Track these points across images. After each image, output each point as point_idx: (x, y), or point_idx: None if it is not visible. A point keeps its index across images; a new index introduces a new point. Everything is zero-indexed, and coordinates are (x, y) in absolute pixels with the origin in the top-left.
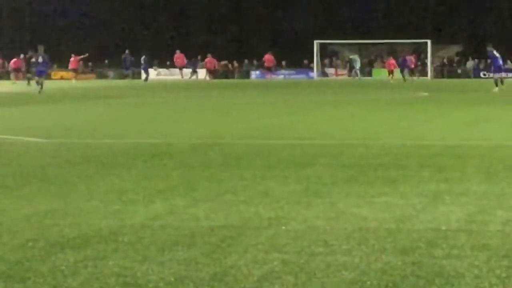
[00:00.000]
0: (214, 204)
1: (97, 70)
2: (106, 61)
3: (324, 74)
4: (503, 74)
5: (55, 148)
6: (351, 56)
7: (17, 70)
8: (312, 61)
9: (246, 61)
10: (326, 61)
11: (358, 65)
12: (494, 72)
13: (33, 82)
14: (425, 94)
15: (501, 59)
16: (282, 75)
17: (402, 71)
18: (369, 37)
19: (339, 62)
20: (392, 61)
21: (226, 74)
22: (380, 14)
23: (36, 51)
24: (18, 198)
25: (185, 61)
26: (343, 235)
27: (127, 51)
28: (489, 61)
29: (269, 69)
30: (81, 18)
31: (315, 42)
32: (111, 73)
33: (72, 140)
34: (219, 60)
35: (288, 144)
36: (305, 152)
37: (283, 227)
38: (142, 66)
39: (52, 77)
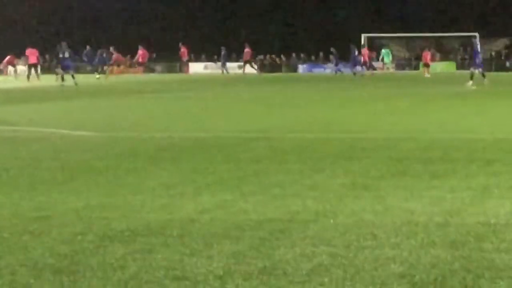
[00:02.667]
0: (262, 197)
1: (144, 64)
2: (154, 55)
3: (372, 67)
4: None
5: (103, 142)
6: (382, 50)
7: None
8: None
9: (293, 54)
10: (374, 54)
11: (387, 58)
12: (476, 66)
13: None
14: (474, 87)
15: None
16: (329, 69)
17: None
18: (416, 31)
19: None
20: (427, 54)
21: (274, 68)
22: (427, 8)
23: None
24: (67, 191)
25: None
26: (391, 229)
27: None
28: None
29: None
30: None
31: (363, 35)
32: (158, 67)
33: (120, 133)
34: (266, 54)
35: (335, 138)
36: (352, 146)
37: (331, 221)
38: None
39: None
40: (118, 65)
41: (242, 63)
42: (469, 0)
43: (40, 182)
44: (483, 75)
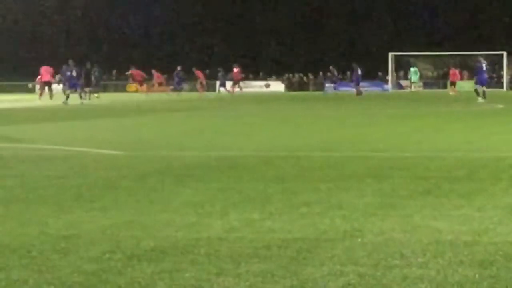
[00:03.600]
0: (290, 216)
1: (171, 83)
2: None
3: (399, 86)
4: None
5: (130, 160)
6: (411, 68)
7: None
8: (386, 74)
9: (321, 73)
10: (401, 73)
11: (415, 77)
12: (478, 83)
13: (89, 96)
14: (501, 106)
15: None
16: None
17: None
18: (443, 49)
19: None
20: (454, 71)
21: (301, 86)
22: (455, 25)
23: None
24: (94, 210)
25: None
26: (419, 248)
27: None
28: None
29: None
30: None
31: (390, 54)
32: (185, 86)
33: (147, 152)
34: (293, 72)
35: (362, 156)
36: (379, 165)
37: (359, 240)
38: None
39: (127, 90)
40: (160, 84)
41: (267, 82)
42: (498, 17)
43: (67, 201)
44: (483, 93)
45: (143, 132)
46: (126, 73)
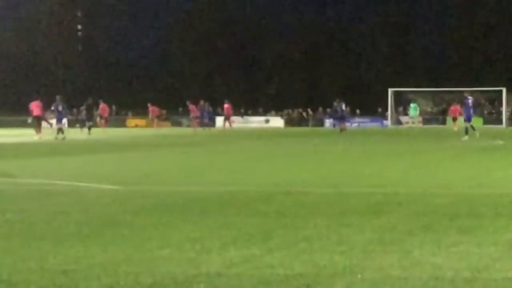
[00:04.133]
0: (289, 252)
1: (172, 118)
2: (180, 109)
3: (398, 122)
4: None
5: (130, 195)
6: (411, 104)
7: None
8: (386, 109)
9: (320, 109)
10: (400, 109)
11: (414, 112)
12: (465, 120)
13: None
14: (501, 142)
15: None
16: (356, 123)
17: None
18: (443, 86)
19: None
20: (456, 107)
21: (300, 121)
22: (454, 62)
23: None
24: (93, 245)
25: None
26: (418, 284)
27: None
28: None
29: None
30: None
31: (389, 90)
32: (185, 121)
33: (146, 187)
34: (293, 108)
35: (362, 192)
36: (379, 200)
37: (359, 276)
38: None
39: (127, 125)
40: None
41: (266, 118)
42: (496, 55)
43: (66, 236)
44: (472, 128)
45: (142, 167)
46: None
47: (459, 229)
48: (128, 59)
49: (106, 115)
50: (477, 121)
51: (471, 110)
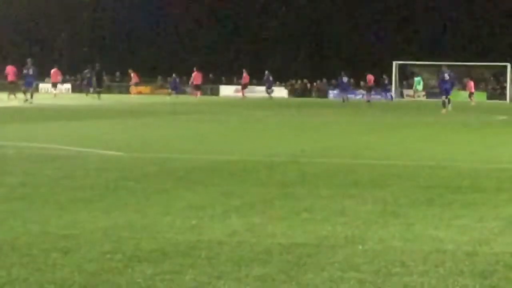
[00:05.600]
0: (291, 222)
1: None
2: (184, 77)
3: (402, 95)
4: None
5: (132, 162)
6: (415, 78)
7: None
8: (390, 82)
9: (324, 80)
10: (405, 82)
11: (419, 86)
12: (442, 93)
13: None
14: (504, 117)
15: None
16: (360, 95)
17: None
18: (447, 60)
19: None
20: (471, 83)
21: (304, 92)
22: (459, 36)
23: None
24: (96, 210)
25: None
26: (420, 257)
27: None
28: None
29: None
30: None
31: (394, 62)
32: (188, 89)
33: (149, 154)
34: (297, 79)
35: (365, 164)
36: (382, 173)
37: (360, 247)
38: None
39: (131, 92)
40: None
41: (272, 88)
42: (502, 30)
43: (69, 201)
44: (448, 101)
45: (146, 134)
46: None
47: (461, 203)
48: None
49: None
50: (480, 96)
51: (447, 84)
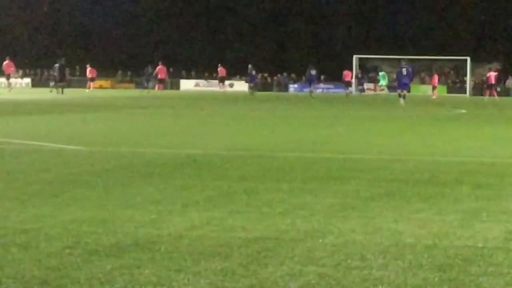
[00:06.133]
0: (251, 215)
1: (136, 80)
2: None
3: (363, 89)
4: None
5: (92, 156)
6: (379, 72)
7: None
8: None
9: (284, 74)
10: (365, 76)
11: (383, 81)
12: (401, 88)
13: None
14: (464, 111)
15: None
16: (320, 89)
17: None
18: (408, 53)
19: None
20: (436, 77)
21: (265, 86)
22: (420, 31)
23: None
24: (56, 205)
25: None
26: (379, 250)
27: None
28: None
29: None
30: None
31: (354, 56)
32: (150, 83)
33: (109, 148)
34: (258, 72)
35: (325, 158)
36: (342, 166)
37: (320, 240)
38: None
39: (92, 86)
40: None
41: (231, 82)
42: (462, 24)
43: (29, 195)
44: (403, 96)
45: (106, 128)
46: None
47: (420, 196)
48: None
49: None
50: (441, 90)
51: (404, 79)
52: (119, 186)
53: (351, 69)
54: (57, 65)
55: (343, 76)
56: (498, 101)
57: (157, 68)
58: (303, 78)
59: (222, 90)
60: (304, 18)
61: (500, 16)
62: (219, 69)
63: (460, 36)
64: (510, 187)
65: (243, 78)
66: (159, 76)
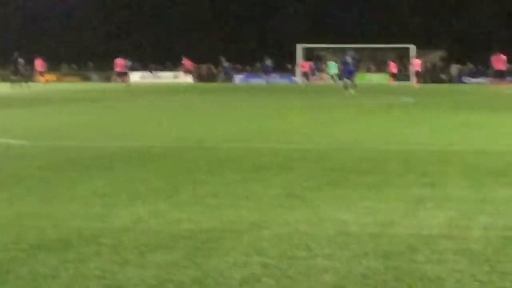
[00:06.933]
0: (197, 207)
1: (81, 73)
2: (91, 64)
3: (308, 79)
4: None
5: (36, 150)
6: (328, 62)
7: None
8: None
9: (229, 64)
10: (310, 65)
11: (333, 70)
12: (345, 76)
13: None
14: (408, 99)
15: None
16: (265, 79)
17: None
18: (352, 42)
19: (324, 67)
20: (393, 64)
21: (210, 77)
22: (364, 19)
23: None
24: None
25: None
26: (325, 239)
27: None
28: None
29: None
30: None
31: (298, 46)
32: (95, 76)
33: (54, 142)
34: (201, 63)
35: (271, 148)
36: (288, 156)
37: (265, 231)
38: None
39: (45, 79)
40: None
41: (175, 73)
42: (406, 12)
43: None
44: (351, 85)
45: (50, 122)
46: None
47: (366, 185)
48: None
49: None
50: (385, 78)
51: (350, 67)
52: (63, 180)
53: (308, 61)
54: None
55: (300, 67)
56: (418, 88)
57: (115, 62)
58: (249, 68)
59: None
60: (248, 8)
61: (445, 4)
62: (184, 61)
63: (404, 24)
64: (455, 174)
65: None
66: (117, 70)
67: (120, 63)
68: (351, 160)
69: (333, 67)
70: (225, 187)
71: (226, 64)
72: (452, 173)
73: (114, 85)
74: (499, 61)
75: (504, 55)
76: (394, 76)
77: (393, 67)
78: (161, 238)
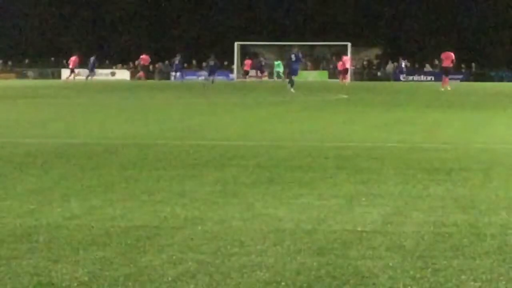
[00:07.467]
0: (131, 204)
1: (16, 70)
2: (27, 61)
3: (244, 76)
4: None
5: None
6: (275, 62)
7: None
8: (232, 63)
9: (166, 62)
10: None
11: (279, 69)
12: (292, 74)
13: None
14: (345, 96)
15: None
16: (202, 76)
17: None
18: (290, 39)
19: (262, 64)
20: (346, 58)
21: (148, 75)
22: (299, 16)
23: None
24: None
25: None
26: (259, 236)
27: None
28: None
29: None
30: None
31: (236, 43)
32: (31, 73)
33: None
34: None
35: (205, 145)
36: (222, 153)
37: (199, 227)
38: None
39: None
40: None
41: (112, 70)
42: (341, 9)
43: None
44: (292, 83)
45: None
46: None
47: (300, 181)
48: None
49: None
50: (322, 75)
51: (294, 65)
52: None
53: (251, 59)
54: None
55: (243, 65)
56: (347, 85)
57: (70, 60)
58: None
59: (139, 78)
60: (185, 4)
61: (381, 1)
62: (142, 57)
63: (340, 21)
64: (389, 170)
65: (125, 66)
66: (71, 66)
67: (73, 59)
68: (286, 157)
69: (278, 66)
70: (159, 184)
71: (177, 61)
72: (386, 169)
73: (50, 82)
74: (447, 58)
75: (453, 52)
76: (346, 72)
77: (343, 64)
78: (95, 235)
